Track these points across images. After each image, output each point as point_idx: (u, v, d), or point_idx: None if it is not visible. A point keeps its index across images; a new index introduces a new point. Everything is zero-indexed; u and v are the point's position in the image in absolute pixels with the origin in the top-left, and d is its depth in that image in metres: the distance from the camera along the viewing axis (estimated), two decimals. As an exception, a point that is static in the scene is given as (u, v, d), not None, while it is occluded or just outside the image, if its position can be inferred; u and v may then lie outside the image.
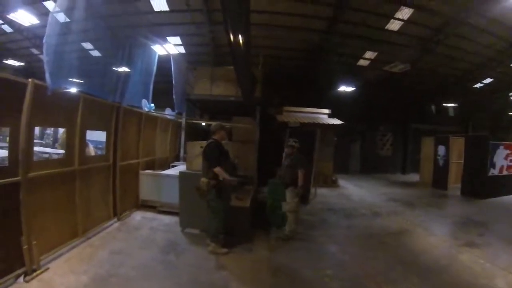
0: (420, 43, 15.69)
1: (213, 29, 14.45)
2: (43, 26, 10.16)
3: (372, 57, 17.41)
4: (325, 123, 14.18)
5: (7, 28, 15.31)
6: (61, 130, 5.25)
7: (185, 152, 9.10)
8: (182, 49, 15.70)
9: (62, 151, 5.21)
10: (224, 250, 5.50)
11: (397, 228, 7.81)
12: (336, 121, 14.43)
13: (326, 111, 15.38)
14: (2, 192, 3.89)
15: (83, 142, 5.78)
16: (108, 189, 6.75)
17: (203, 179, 5.40)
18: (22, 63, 18.71)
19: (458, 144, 14.11)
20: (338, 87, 17.93)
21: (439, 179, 14.34)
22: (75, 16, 6.16)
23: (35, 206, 4.44)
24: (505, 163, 13.25)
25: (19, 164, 4.13)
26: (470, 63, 18.32)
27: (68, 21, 5.90)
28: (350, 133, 19.06)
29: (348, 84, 17.74)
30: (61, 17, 5.32)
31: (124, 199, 7.25)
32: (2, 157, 4.05)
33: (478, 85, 21.24)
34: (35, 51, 17.22)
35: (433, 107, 22.78)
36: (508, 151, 13.28)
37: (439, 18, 13.82)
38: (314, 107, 15.42)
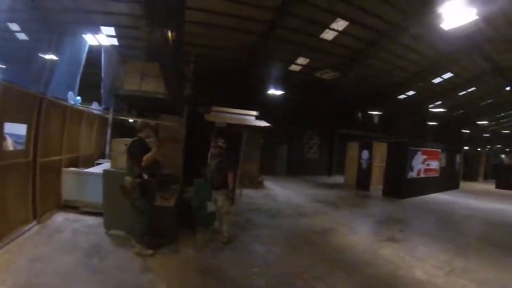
0: (351, 53, 16.57)
1: (148, 23, 13.94)
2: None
3: (304, 63, 17.97)
4: (252, 124, 14.38)
5: None
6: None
7: (110, 150, 8.71)
8: (115, 41, 14.93)
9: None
10: (150, 251, 5.36)
11: (322, 228, 8.16)
12: (263, 123, 14.69)
13: (254, 112, 15.60)
14: None
15: (0, 136, 5.28)
16: (27, 189, 6.19)
17: (128, 178, 5.24)
18: None
19: (380, 149, 15.18)
20: (268, 90, 18.24)
21: (363, 181, 15.34)
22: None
23: None
24: (422, 166, 14.63)
25: None
26: (396, 76, 19.86)
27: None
28: (278, 136, 19.39)
29: (278, 87, 18.09)
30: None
31: (45, 199, 6.71)
32: None
33: (402, 96, 23.03)
34: None
35: (359, 114, 24.18)
36: (425, 156, 14.68)
37: (372, 33, 14.71)
38: (243, 108, 15.58)
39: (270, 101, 18.59)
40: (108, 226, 6.27)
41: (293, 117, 20.28)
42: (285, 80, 18.25)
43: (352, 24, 13.93)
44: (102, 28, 13.55)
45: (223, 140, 6.74)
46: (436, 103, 24.70)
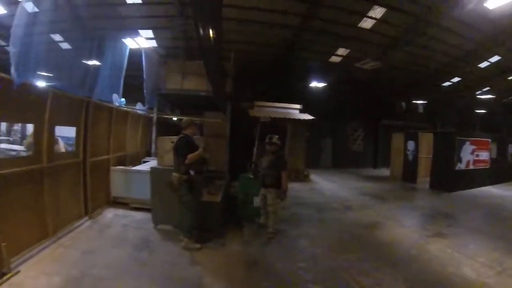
0: (391, 41, 16.02)
1: (185, 23, 14.23)
2: (10, 15, 9.74)
3: (344, 54, 17.55)
4: (296, 118, 14.27)
5: (-30, 18, 14.55)
6: (30, 131, 5.03)
7: (156, 148, 8.95)
8: (154, 43, 15.36)
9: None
10: (197, 245, 5.47)
11: (368, 221, 7.98)
12: (307, 116, 14.55)
13: (298, 106, 15.48)
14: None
15: (52, 139, 5.57)
16: (79, 187, 6.55)
17: (175, 174, 5.36)
18: (-15, 55, 17.85)
19: (427, 139, 14.58)
20: (310, 83, 18.06)
21: (409, 173, 14.81)
22: (44, 6, 5.92)
23: (3, 206, 4.25)
24: (471, 158, 13.82)
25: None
26: (439, 62, 18.88)
27: (37, 11, 5.67)
28: (322, 128, 19.21)
29: (319, 80, 17.88)
30: (30, 7, 5.11)
31: (95, 196, 7.06)
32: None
33: (447, 83, 21.96)
34: (1, 42, 16.45)
35: (403, 104, 23.38)
36: (474, 147, 13.84)
37: (410, 18, 14.15)
38: (285, 102, 15.48)
39: (312, 94, 18.43)
40: (156, 221, 6.48)
41: (337, 109, 20.00)
42: (326, 72, 17.97)
43: (389, 10, 13.42)
44: (141, 31, 13.96)
45: (277, 136, 6.55)
46: (484, 89, 23.29)
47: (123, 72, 9.09)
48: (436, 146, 13.75)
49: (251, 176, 7.01)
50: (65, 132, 6.17)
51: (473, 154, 13.94)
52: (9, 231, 4.33)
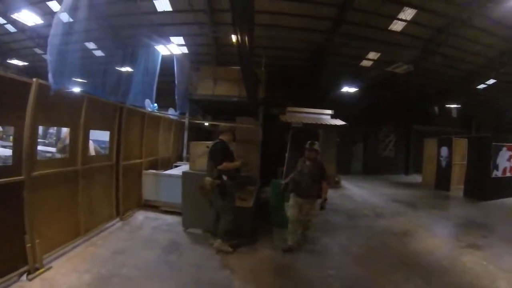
0: (423, 43, 15.65)
1: (216, 29, 14.47)
2: (46, 26, 10.19)
3: (375, 58, 17.35)
4: (328, 123, 14.15)
5: (11, 28, 15.37)
6: (63, 133, 5.25)
7: (188, 152, 9.11)
8: (185, 49, 15.70)
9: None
10: (230, 249, 5.53)
11: (399, 229, 7.78)
12: (338, 122, 14.41)
13: (329, 111, 15.36)
14: (6, 191, 3.91)
15: (87, 142, 5.80)
16: (111, 189, 6.76)
17: (207, 179, 5.41)
18: (25, 63, 18.78)
19: (460, 145, 14.06)
20: (341, 88, 17.89)
21: (442, 181, 14.29)
22: (78, 16, 6.16)
23: (38, 205, 4.46)
24: (508, 164, 13.16)
25: (23, 163, 4.16)
26: (473, 64, 18.25)
27: (72, 21, 5.91)
28: (353, 134, 18.92)
29: (351, 84, 17.69)
30: (65, 17, 5.33)
31: (127, 198, 7.26)
32: (6, 156, 4.07)
33: (481, 86, 21.16)
34: (38, 50, 17.29)
35: (436, 108, 22.75)
36: (511, 153, 13.21)
37: (441, 19, 13.80)
38: (317, 108, 15.39)
39: (344, 99, 18.27)
40: (186, 224, 6.58)
41: (368, 114, 19.73)
42: (357, 77, 17.79)
43: (420, 12, 13.13)
44: (172, 38, 14.30)
45: (317, 143, 6.07)
46: (521, 92, 22.29)
47: (156, 78, 9.33)
48: (470, 152, 13.21)
49: (283, 183, 6.39)
50: (99, 136, 6.38)
51: (511, 161, 13.32)
52: (43, 229, 4.55)
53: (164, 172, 8.50)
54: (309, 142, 5.99)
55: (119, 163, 6.90)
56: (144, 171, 8.21)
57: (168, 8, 13.34)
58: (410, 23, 13.91)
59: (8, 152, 4.07)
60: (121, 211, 6.97)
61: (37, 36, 15.62)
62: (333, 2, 12.80)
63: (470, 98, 21.81)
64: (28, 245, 4.17)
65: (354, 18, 13.63)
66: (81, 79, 16.36)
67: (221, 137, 5.77)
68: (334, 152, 14.60)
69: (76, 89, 10.85)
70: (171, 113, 11.44)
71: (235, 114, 10.02)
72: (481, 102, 22.72)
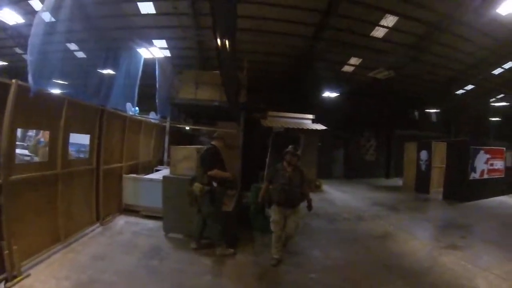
0: (404, 50, 15.95)
1: (199, 33, 14.42)
2: (27, 25, 9.97)
3: (357, 63, 17.59)
4: (309, 128, 14.24)
5: (-9, 26, 14.98)
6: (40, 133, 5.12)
7: (168, 156, 9.04)
8: (167, 53, 15.60)
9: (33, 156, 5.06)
10: (232, 250, 5.61)
11: (380, 232, 7.89)
12: (320, 126, 14.50)
13: (310, 116, 15.45)
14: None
15: (66, 146, 5.68)
16: (91, 193, 6.64)
17: (197, 184, 5.41)
18: (5, 63, 18.29)
19: (440, 149, 14.38)
20: (323, 93, 18.04)
21: (422, 183, 14.59)
22: (61, 16, 6.07)
23: (16, 210, 4.34)
24: (486, 167, 13.56)
25: (0, 167, 4.04)
26: (453, 70, 18.73)
27: (54, 21, 5.81)
28: (334, 138, 19.12)
29: (332, 90, 17.86)
30: (47, 17, 5.25)
31: (107, 203, 7.14)
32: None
33: (460, 91, 21.71)
34: (19, 50, 16.85)
35: (416, 113, 23.17)
36: (488, 156, 13.60)
37: (422, 26, 14.10)
38: (298, 112, 15.48)
39: (325, 104, 18.41)
40: (167, 229, 6.51)
41: (349, 119, 19.86)
42: (339, 82, 17.98)
43: (401, 19, 13.42)
44: (155, 41, 14.20)
45: (296, 147, 5.69)
46: (498, 97, 22.93)
47: (138, 82, 9.24)
48: (449, 156, 13.54)
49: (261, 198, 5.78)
50: (80, 139, 6.26)
51: (488, 163, 13.69)
52: (21, 235, 4.41)
53: (145, 176, 8.41)
54: (291, 146, 5.57)
55: (100, 167, 6.78)
56: (125, 175, 8.09)
57: (152, 10, 13.24)
58: (391, 29, 14.16)
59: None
60: (101, 216, 6.84)
61: (18, 35, 15.21)
62: (316, 8, 12.91)
63: (449, 103, 22.31)
64: (6, 252, 4.04)
65: (337, 24, 13.77)
66: (62, 80, 16.10)
67: (213, 142, 5.79)
68: (315, 157, 14.68)
69: (57, 91, 10.68)
70: (153, 116, 11.34)
71: (216, 119, 10.02)
72: (460, 107, 23.27)
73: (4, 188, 4.06)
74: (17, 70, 16.53)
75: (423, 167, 14.73)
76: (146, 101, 10.72)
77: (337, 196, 13.31)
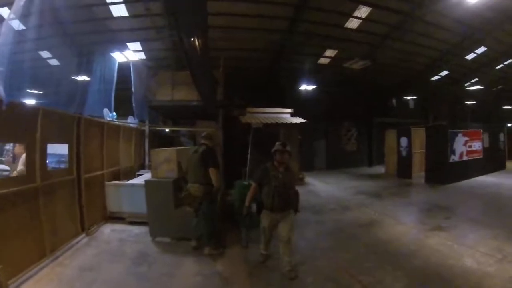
0: (379, 40, 16.17)
1: (174, 33, 14.24)
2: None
3: (333, 55, 17.68)
4: (288, 122, 14.29)
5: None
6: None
7: (150, 160, 8.95)
8: (142, 55, 15.38)
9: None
10: (220, 250, 5.63)
11: (366, 220, 8.01)
12: (299, 120, 14.56)
13: (289, 110, 15.47)
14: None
15: (44, 157, 5.55)
16: (74, 204, 6.49)
17: (196, 185, 5.43)
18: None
19: (419, 134, 14.70)
20: (300, 86, 18.10)
21: (404, 169, 14.90)
22: (31, 23, 5.90)
23: (-2, 228, 4.21)
24: (465, 149, 13.96)
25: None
26: (427, 57, 19.10)
27: (24, 29, 5.64)
28: (314, 131, 19.21)
29: (310, 82, 17.93)
30: (16, 25, 5.10)
31: (92, 212, 6.99)
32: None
33: (436, 77, 22.16)
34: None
35: (394, 101, 23.53)
36: (466, 138, 14.00)
37: (396, 16, 14.30)
38: (277, 107, 15.50)
39: (303, 97, 18.44)
40: (153, 234, 6.44)
41: (328, 110, 19.93)
42: (316, 74, 18.04)
43: (375, 9, 13.58)
44: (129, 44, 13.97)
45: (285, 143, 5.05)
46: (472, 81, 23.54)
47: (113, 86, 9.10)
48: (428, 141, 13.88)
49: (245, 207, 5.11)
50: (58, 149, 6.14)
51: (466, 145, 14.09)
52: (6, 253, 4.29)
53: (127, 182, 8.30)
54: (279, 143, 4.99)
55: (81, 176, 6.65)
56: (107, 183, 7.95)
57: (125, 13, 12.98)
58: (365, 20, 14.31)
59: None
60: (86, 226, 6.70)
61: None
62: (289, 1, 12.92)
63: (426, 89, 22.76)
64: (-10, 272, 3.93)
65: (311, 17, 13.84)
66: (36, 90, 15.70)
67: (205, 141, 5.77)
68: (297, 150, 14.74)
69: (31, 101, 10.41)
70: (131, 121, 11.19)
71: (195, 118, 9.95)
72: (436, 92, 23.77)
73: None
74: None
75: (403, 153, 15.01)
76: (123, 106, 10.57)
77: (321, 187, 13.40)
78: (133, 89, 9.46)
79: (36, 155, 5.20)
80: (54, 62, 16.64)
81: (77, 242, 6.25)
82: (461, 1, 11.53)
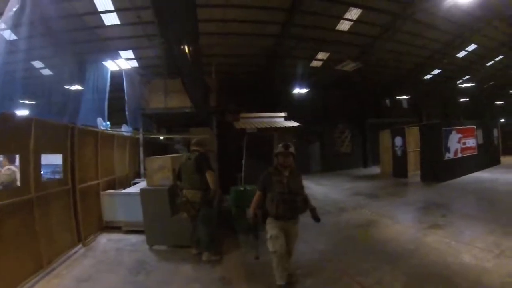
0: (370, 41, 16.27)
1: (164, 41, 14.22)
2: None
3: (325, 58, 17.80)
4: (282, 126, 14.28)
5: None
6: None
7: (145, 168, 8.92)
8: (135, 63, 15.35)
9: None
10: (218, 257, 5.58)
11: (363, 221, 8.01)
12: (293, 123, 14.54)
13: (283, 114, 15.42)
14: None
15: (39, 168, 5.50)
16: (70, 214, 6.44)
17: (195, 192, 5.42)
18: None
19: (413, 133, 14.78)
20: (294, 90, 18.13)
21: (399, 168, 14.96)
22: (22, 33, 5.88)
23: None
24: (459, 146, 14.05)
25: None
26: (419, 56, 19.31)
27: (16, 39, 5.60)
28: (309, 134, 19.20)
29: (303, 85, 17.98)
30: (7, 35, 5.08)
31: (88, 222, 6.95)
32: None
33: (428, 76, 22.35)
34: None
35: (387, 101, 23.66)
36: (460, 135, 14.09)
37: (386, 16, 14.42)
38: (270, 111, 15.48)
39: (297, 100, 18.53)
40: (150, 242, 6.41)
41: (322, 113, 20.05)
42: (309, 78, 18.12)
43: (365, 11, 13.71)
44: (121, 52, 13.94)
45: (288, 144, 4.60)
46: (464, 78, 23.77)
47: (106, 95, 9.08)
48: (423, 139, 13.94)
49: (249, 217, 4.89)
50: (53, 160, 6.09)
51: (460, 143, 14.17)
52: (3, 267, 4.26)
53: (122, 191, 8.27)
54: (281, 145, 4.56)
55: (76, 186, 6.60)
56: (102, 192, 7.90)
57: (116, 21, 12.95)
58: (356, 22, 14.41)
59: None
60: (82, 237, 6.64)
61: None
62: (281, 6, 12.99)
63: (418, 88, 22.93)
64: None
65: (302, 21, 13.91)
66: (29, 100, 15.61)
67: (196, 148, 5.76)
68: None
69: (25, 112, 10.36)
70: (125, 129, 11.14)
71: (189, 125, 9.93)
72: (428, 91, 23.96)
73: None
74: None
75: (398, 152, 15.08)
76: (117, 114, 10.54)
77: (317, 190, 13.37)
78: (126, 98, 9.44)
79: (30, 166, 5.16)
80: (46, 72, 16.55)
81: (73, 253, 6.19)
82: (450, 0, 11.65)
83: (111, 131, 9.70)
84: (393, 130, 15.61)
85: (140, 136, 10.43)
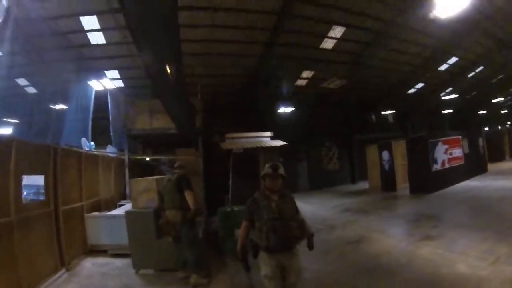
0: (353, 58, 16.51)
1: (145, 62, 14.16)
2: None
3: (309, 76, 17.88)
4: (269, 145, 14.22)
5: None
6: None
7: (130, 190, 8.75)
8: (120, 83, 15.21)
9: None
10: (206, 280, 5.42)
11: (354, 237, 7.91)
12: (279, 142, 14.49)
13: (269, 133, 15.39)
14: None
15: (19, 189, 5.31)
16: (52, 238, 6.21)
17: (176, 213, 5.33)
18: None
19: (400, 147, 14.88)
20: (279, 109, 18.13)
21: (388, 183, 14.99)
22: (5, 49, 5.78)
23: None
24: (446, 157, 14.21)
25: None
26: (401, 71, 19.61)
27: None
28: (296, 152, 19.11)
29: (288, 104, 17.97)
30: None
31: (71, 246, 6.71)
32: None
33: (412, 90, 22.76)
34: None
35: (373, 116, 23.88)
36: (446, 146, 14.28)
37: (369, 34, 14.69)
38: (256, 131, 15.43)
39: (283, 119, 18.39)
40: (137, 266, 6.21)
41: (308, 131, 20.00)
42: (294, 96, 18.07)
43: (348, 29, 13.92)
44: (106, 72, 13.82)
45: (277, 164, 4.01)
46: (447, 90, 24.25)
47: (90, 115, 8.93)
48: (410, 152, 14.02)
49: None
50: (36, 181, 5.92)
51: (447, 153, 14.33)
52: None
53: (107, 213, 8.05)
54: (270, 165, 3.95)
55: (58, 208, 6.39)
56: (86, 214, 7.68)
57: (102, 41, 12.85)
58: (340, 40, 14.61)
59: None
60: (66, 261, 6.39)
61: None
62: (265, 26, 13.04)
63: (403, 102, 23.27)
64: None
65: (286, 40, 14.01)
66: (12, 119, 15.31)
67: (179, 170, 5.75)
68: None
69: (7, 130, 10.10)
70: (110, 150, 10.92)
71: (175, 146, 9.84)
72: (413, 105, 24.35)
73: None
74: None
75: (386, 167, 15.13)
76: (102, 135, 10.35)
77: (306, 208, 13.10)
78: (110, 118, 9.29)
79: (10, 188, 4.98)
80: (31, 89, 16.29)
81: (56, 278, 5.93)
82: (430, 16, 11.93)
83: (95, 152, 9.49)
84: (380, 145, 15.69)
85: (126, 157, 10.23)
